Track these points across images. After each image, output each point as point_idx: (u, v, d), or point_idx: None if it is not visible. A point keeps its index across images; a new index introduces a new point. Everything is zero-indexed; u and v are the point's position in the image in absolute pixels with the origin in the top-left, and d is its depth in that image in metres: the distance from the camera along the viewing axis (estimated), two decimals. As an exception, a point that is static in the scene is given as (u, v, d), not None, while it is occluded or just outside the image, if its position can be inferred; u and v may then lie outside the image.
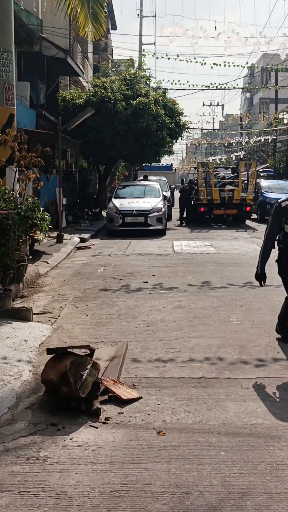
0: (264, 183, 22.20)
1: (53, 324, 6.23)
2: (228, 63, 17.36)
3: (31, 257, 8.49)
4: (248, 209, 20.18)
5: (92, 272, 9.79)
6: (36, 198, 7.62)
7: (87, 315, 6.59)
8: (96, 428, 3.53)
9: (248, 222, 20.46)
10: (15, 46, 17.70)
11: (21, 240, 7.74)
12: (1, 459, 3.16)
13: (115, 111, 19.43)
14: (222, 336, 5.68)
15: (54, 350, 3.98)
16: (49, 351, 4.03)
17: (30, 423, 3.58)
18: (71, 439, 3.40)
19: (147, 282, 8.72)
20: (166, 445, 3.34)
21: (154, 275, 9.35)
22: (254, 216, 21.78)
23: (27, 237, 8.15)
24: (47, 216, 7.42)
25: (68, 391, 3.65)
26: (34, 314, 6.64)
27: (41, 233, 8.05)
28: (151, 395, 4.12)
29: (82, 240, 14.77)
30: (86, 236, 15.37)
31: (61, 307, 7.05)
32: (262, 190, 21.14)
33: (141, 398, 4.03)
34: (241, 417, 3.74)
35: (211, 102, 68.81)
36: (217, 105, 70.16)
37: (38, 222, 7.04)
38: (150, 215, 16.09)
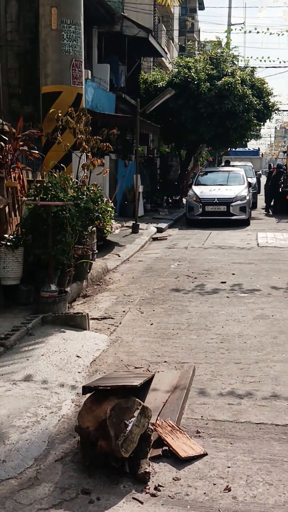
0: None
1: (112, 333, 5.38)
2: None
3: (96, 251, 7.70)
4: None
5: (164, 268, 8.87)
6: (99, 187, 6.79)
7: (152, 324, 5.68)
8: (142, 503, 2.61)
9: None
10: (95, 27, 17.17)
11: (85, 233, 6.98)
12: None
13: (199, 93, 18.24)
14: (315, 361, 4.55)
15: (93, 388, 3.10)
16: (85, 389, 3.15)
17: (56, 486, 2.74)
18: (106, 517, 2.52)
19: (225, 282, 7.66)
20: None
21: (233, 274, 8.26)
22: None
23: (93, 229, 7.39)
24: (110, 208, 6.57)
25: (107, 447, 2.76)
26: (94, 319, 5.85)
27: (107, 226, 7.22)
28: (219, 450, 3.13)
29: (159, 230, 13.90)
30: (163, 225, 14.47)
31: (124, 311, 6.20)
32: None
33: (206, 455, 3.06)
34: None
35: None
36: (310, 85, 66.03)
37: (100, 215, 6.20)
38: (232, 203, 14.87)
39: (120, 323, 5.72)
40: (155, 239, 12.70)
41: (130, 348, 4.90)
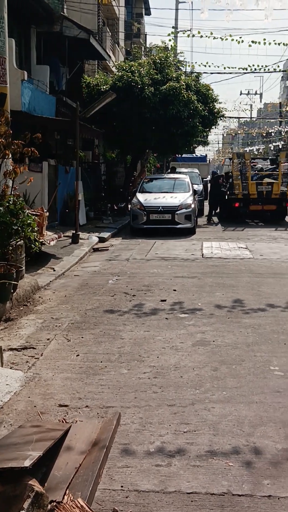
0: None
1: (30, 369, 4.64)
2: (269, 41, 15.35)
3: (22, 268, 6.93)
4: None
5: (101, 284, 8.18)
6: (21, 198, 6.04)
7: (78, 355, 4.98)
8: None
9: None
10: (34, 26, 16.34)
11: (9, 248, 6.21)
12: None
13: (143, 97, 17.71)
14: (259, 400, 3.97)
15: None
16: None
17: None
18: None
19: (165, 300, 7.05)
20: None
21: (175, 290, 7.68)
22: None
23: (20, 243, 6.62)
24: (32, 221, 5.83)
25: None
26: (12, 349, 5.10)
27: (33, 239, 6.46)
28: (139, 538, 2.48)
29: (101, 239, 13.20)
30: (106, 235, 13.78)
31: (48, 339, 5.46)
32: None
33: None
34: None
35: (249, 91, 66.09)
36: (255, 93, 67.36)
37: (19, 229, 5.46)
38: (177, 212, 14.37)
39: (41, 355, 4.98)
40: (96, 249, 12.00)
41: (48, 389, 4.18)
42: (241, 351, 5.06)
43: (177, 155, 30.91)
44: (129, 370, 4.59)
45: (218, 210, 19.24)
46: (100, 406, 3.87)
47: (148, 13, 43.04)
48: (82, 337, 5.50)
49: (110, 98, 13.63)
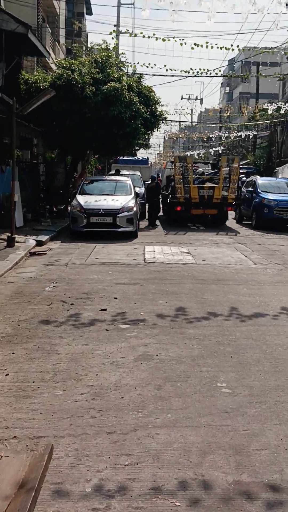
0: (260, 181, 18.86)
1: None
2: (211, 44, 15.31)
3: None
4: (230, 209, 18.29)
5: (37, 291, 7.66)
6: None
7: (7, 374, 4.48)
8: None
9: (228, 223, 18.55)
10: None
11: None
12: None
13: (83, 97, 17.23)
14: (206, 423, 3.65)
15: None
16: None
17: None
18: None
19: (105, 309, 6.65)
20: None
21: (116, 298, 7.29)
22: (233, 215, 19.86)
23: None
24: None
25: None
26: None
27: None
28: None
29: (39, 243, 12.61)
30: (44, 238, 13.18)
31: (-25, 355, 4.93)
32: (259, 190, 17.85)
33: None
34: None
35: (189, 96, 66.87)
36: (196, 98, 68.23)
37: None
38: (119, 215, 14.00)
39: None
40: (33, 254, 11.40)
41: (-29, 417, 3.68)
42: (186, 365, 4.74)
43: (119, 157, 30.61)
44: (65, 391, 4.15)
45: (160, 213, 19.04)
46: (30, 437, 3.42)
47: (89, 12, 42.52)
48: (13, 353, 5.00)
49: (49, 95, 13.09)
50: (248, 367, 4.72)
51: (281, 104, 26.78)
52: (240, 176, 22.48)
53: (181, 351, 5.12)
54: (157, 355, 5.01)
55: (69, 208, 18.91)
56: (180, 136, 55.72)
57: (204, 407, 3.90)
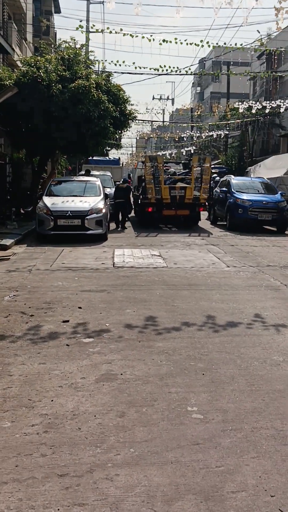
0: (234, 180, 18.25)
1: None
2: (181, 41, 14.89)
3: None
4: (202, 210, 17.90)
5: (-5, 301, 7.10)
6: None
7: None
8: None
9: (201, 223, 18.19)
10: None
11: None
12: None
13: (50, 95, 16.65)
14: (175, 459, 3.18)
15: None
16: None
17: None
18: None
19: (67, 321, 6.13)
20: None
21: (80, 307, 6.77)
22: (204, 215, 19.49)
23: None
24: None
25: None
26: None
27: None
28: None
29: (3, 247, 12.00)
30: (9, 242, 12.56)
31: None
32: (233, 190, 17.29)
33: None
34: None
35: (161, 96, 66.64)
36: (167, 98, 68.03)
37: None
38: (88, 217, 13.46)
39: None
40: (-5, 259, 10.79)
41: None
42: (153, 386, 4.26)
43: (89, 157, 30.03)
44: (14, 422, 3.63)
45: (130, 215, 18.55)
46: None
47: (57, 11, 41.80)
48: None
49: (11, 92, 12.49)
50: (222, 386, 4.27)
51: (252, 103, 26.60)
52: (213, 175, 22.23)
53: (148, 369, 4.64)
54: (121, 374, 4.52)
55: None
56: (152, 136, 55.40)
57: (172, 438, 3.43)
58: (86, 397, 4.03)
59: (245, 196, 16.71)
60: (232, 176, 19.15)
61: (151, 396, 4.06)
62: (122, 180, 17.51)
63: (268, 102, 24.61)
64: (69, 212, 13.45)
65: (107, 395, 4.08)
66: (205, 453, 3.25)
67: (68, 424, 3.61)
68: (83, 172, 23.47)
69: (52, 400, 3.97)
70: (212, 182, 20.83)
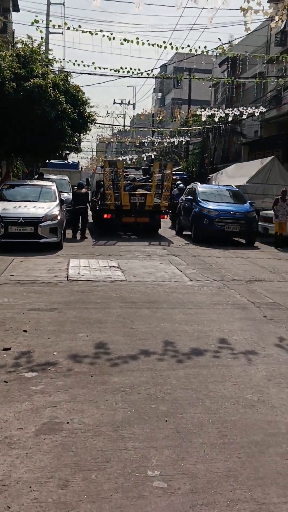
0: (201, 188, 17.04)
1: None
2: (143, 41, 14.23)
3: None
4: (163, 217, 17.23)
5: None
6: None
7: None
8: None
9: (164, 232, 17.57)
10: None
11: None
12: None
13: (3, 93, 15.72)
14: None
15: None
16: None
17: None
18: None
19: (9, 349, 5.29)
20: None
21: (25, 331, 5.94)
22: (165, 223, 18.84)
23: None
24: None
25: None
26: None
27: None
28: None
29: None
30: None
31: None
32: (199, 198, 16.14)
33: None
34: None
35: (122, 100, 66.04)
36: (129, 103, 67.51)
37: None
38: (41, 224, 12.57)
39: None
40: None
41: None
42: (105, 440, 3.50)
43: (47, 161, 29.04)
44: None
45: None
46: None
47: (16, 9, 40.56)
48: None
49: None
50: (189, 438, 3.56)
51: (214, 110, 26.24)
52: (177, 182, 21.61)
53: (100, 414, 3.88)
54: (67, 422, 3.73)
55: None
56: (112, 140, 54.68)
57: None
58: (22, 458, 3.23)
59: (211, 206, 15.72)
60: (199, 184, 18.25)
61: (103, 455, 3.30)
62: (78, 185, 16.47)
63: (230, 109, 24.32)
64: (21, 218, 12.53)
65: (48, 455, 3.29)
66: None
67: (-6, 502, 2.80)
68: (36, 176, 22.51)
69: (-24, 465, 3.16)
70: (175, 188, 20.24)
